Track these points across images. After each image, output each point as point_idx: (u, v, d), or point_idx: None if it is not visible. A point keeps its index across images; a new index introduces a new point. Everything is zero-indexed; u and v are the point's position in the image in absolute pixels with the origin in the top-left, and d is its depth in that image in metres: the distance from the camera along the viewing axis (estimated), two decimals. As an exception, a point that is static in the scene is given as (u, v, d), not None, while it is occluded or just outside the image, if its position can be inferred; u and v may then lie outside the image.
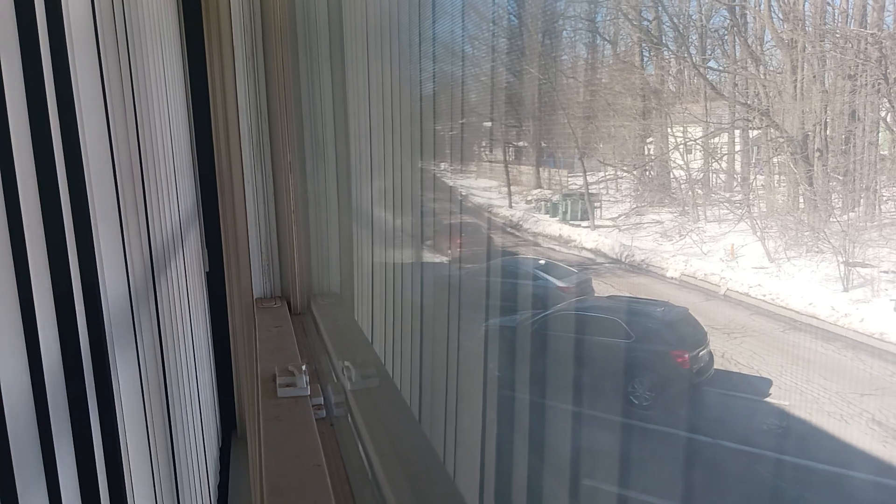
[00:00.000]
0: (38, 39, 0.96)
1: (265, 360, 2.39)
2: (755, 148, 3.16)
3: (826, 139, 2.79)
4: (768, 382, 2.56)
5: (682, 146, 3.48)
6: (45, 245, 0.95)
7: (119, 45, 1.59)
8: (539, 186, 3.95)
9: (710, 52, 3.44)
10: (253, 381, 2.45)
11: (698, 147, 3.41)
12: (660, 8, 3.54)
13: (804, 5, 2.89)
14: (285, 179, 3.41)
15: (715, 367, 2.74)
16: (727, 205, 3.27)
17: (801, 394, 2.44)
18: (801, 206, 2.89)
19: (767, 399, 2.53)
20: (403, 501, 1.54)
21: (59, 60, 1.01)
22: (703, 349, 2.82)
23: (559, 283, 3.51)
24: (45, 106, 0.96)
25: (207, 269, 3.65)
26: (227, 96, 3.37)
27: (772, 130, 3.06)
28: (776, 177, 3.06)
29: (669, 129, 3.54)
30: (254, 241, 3.49)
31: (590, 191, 3.68)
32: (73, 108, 1.06)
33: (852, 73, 2.64)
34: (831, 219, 2.75)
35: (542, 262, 3.61)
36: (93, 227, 1.13)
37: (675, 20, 3.50)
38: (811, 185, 2.82)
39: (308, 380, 2.14)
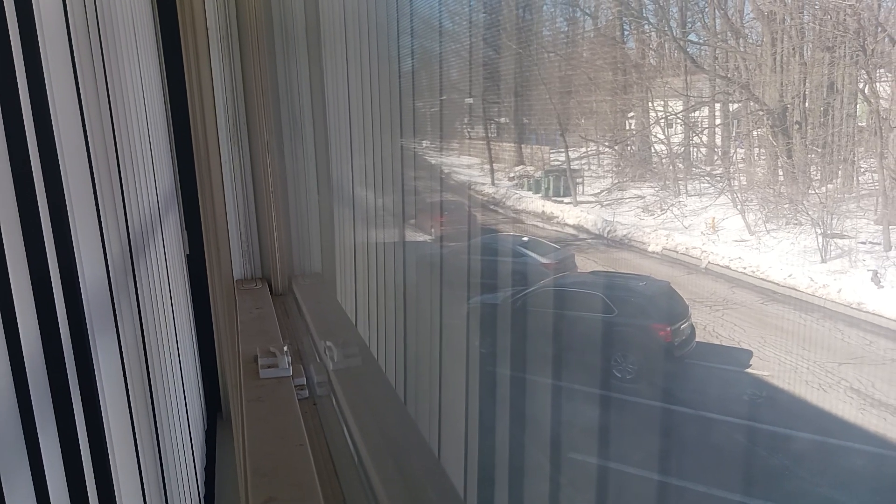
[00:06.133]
0: (6, 17, 0.93)
1: (247, 341, 2.38)
2: (735, 121, 3.17)
3: (805, 111, 2.81)
4: (749, 354, 2.60)
5: (662, 120, 3.48)
6: (20, 230, 0.93)
7: (90, 28, 1.55)
8: (521, 163, 3.94)
9: (690, 26, 3.43)
10: (235, 364, 2.44)
11: (679, 121, 3.41)
12: (639, -19, 3.52)
13: (783, -23, 2.89)
14: (263, 159, 3.37)
15: (697, 339, 2.77)
16: (708, 178, 3.28)
17: (780, 364, 2.48)
18: (781, 178, 2.91)
19: (748, 370, 2.57)
20: (388, 478, 1.55)
21: (29, 43, 0.99)
22: (684, 322, 2.85)
23: (542, 260, 3.52)
24: (15, 90, 0.93)
25: (188, 252, 3.62)
26: (202, 77, 3.32)
27: (751, 103, 3.07)
28: (756, 150, 3.07)
29: (650, 104, 3.53)
30: (233, 223, 3.45)
31: (572, 167, 3.68)
32: (44, 91, 1.04)
33: (831, 45, 2.65)
34: (810, 191, 2.78)
35: (525, 238, 3.61)
36: (68, 212, 1.11)
37: (655, -7, 3.49)
38: (790, 157, 2.83)
39: (290, 360, 2.14)
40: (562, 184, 3.69)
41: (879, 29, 2.49)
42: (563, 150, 3.74)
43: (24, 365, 0.89)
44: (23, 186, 0.95)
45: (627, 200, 3.47)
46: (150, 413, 1.79)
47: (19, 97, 0.95)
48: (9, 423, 0.85)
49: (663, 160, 3.54)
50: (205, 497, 2.96)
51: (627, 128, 3.70)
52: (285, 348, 2.14)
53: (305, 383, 2.08)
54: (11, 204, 0.92)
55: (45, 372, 0.99)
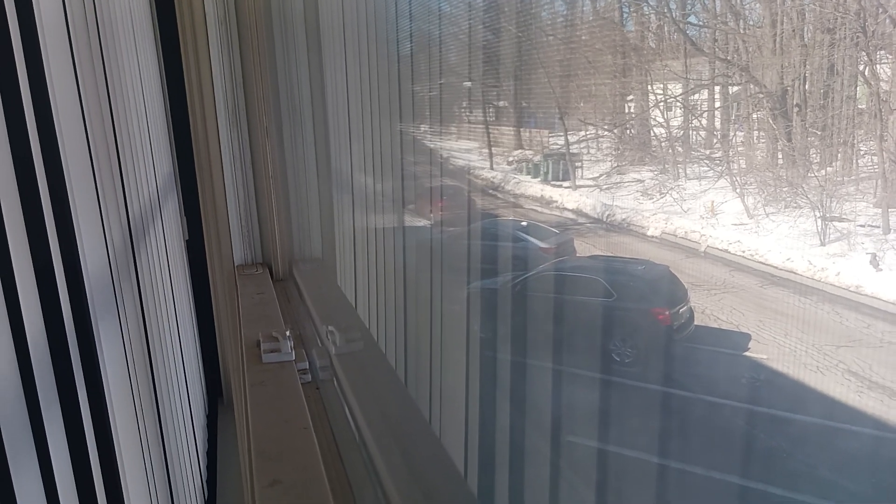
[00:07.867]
0: (5, 5, 0.93)
1: (249, 326, 2.39)
2: (735, 104, 3.16)
3: (805, 94, 2.80)
4: (747, 337, 2.61)
5: (662, 103, 3.47)
6: (23, 218, 0.94)
7: (87, 14, 1.55)
8: (520, 147, 3.93)
9: (689, 7, 3.42)
10: (237, 348, 2.45)
11: (678, 104, 3.40)
12: (639, -37, 3.50)
13: (783, -42, 2.88)
14: (262, 145, 3.36)
15: (695, 323, 2.78)
16: (707, 162, 3.28)
17: (778, 347, 2.49)
18: (780, 161, 2.91)
19: (746, 353, 2.58)
20: (391, 459, 1.56)
21: (28, 32, 0.99)
22: (683, 306, 2.85)
23: (541, 244, 3.52)
24: (15, 78, 0.93)
25: (187, 238, 3.62)
26: (200, 62, 3.30)
27: (751, 86, 3.06)
28: (755, 133, 3.07)
29: (650, 87, 3.52)
30: (232, 208, 3.45)
31: (571, 150, 3.67)
32: (43, 78, 1.04)
33: (831, 27, 2.64)
34: (809, 174, 2.77)
35: (523, 223, 3.62)
36: (69, 199, 1.11)
37: (655, -25, 3.47)
38: (790, 140, 2.83)
39: (292, 345, 2.15)
40: (561, 168, 3.68)
41: (880, 10, 2.48)
42: (562, 133, 3.73)
43: (28, 350, 0.89)
44: (24, 175, 0.95)
45: (626, 184, 3.46)
46: (153, 397, 1.81)
47: (19, 86, 0.95)
48: (14, 408, 0.86)
49: (662, 143, 3.53)
50: (207, 480, 2.98)
51: (627, 111, 3.69)
52: (287, 333, 2.15)
53: (308, 367, 2.10)
54: (13, 192, 0.93)
55: (49, 357, 1.00)
